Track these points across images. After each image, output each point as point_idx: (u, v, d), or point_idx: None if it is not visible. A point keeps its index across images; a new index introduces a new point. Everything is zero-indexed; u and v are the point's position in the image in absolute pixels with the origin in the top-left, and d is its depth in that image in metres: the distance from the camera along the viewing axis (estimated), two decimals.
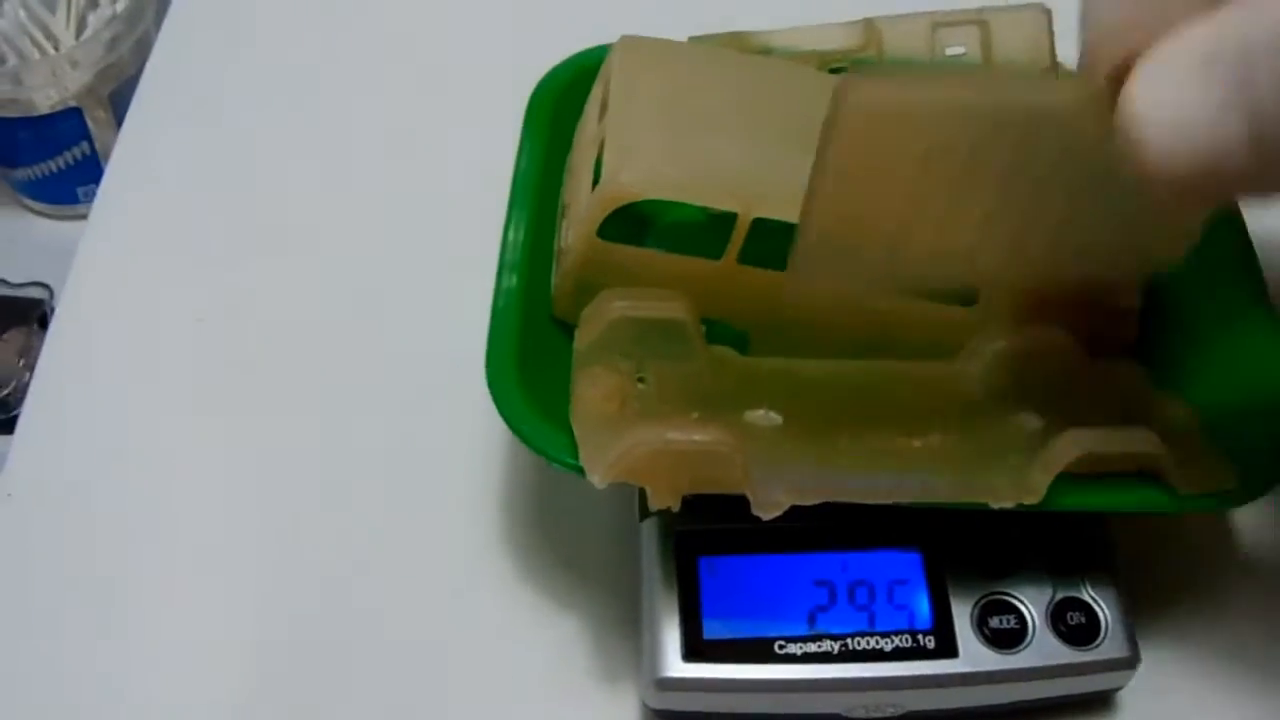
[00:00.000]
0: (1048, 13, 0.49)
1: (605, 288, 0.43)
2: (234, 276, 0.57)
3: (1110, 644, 0.42)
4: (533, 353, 0.43)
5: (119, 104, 0.69)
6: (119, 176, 0.61)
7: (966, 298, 0.43)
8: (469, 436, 0.49)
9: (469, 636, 0.46)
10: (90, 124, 0.70)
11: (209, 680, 0.45)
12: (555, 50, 0.51)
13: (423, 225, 0.58)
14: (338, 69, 0.65)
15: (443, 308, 0.52)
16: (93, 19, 0.71)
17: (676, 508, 0.40)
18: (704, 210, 0.42)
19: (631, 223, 0.47)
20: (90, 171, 0.70)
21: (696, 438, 0.38)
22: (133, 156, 0.61)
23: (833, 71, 0.49)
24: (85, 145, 0.71)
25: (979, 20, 0.49)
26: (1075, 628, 0.43)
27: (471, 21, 0.67)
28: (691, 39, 0.49)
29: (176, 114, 0.63)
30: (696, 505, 0.43)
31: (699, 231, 0.45)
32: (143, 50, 0.68)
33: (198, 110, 0.63)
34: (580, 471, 0.39)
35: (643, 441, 0.38)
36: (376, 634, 0.46)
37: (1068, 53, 0.48)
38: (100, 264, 0.58)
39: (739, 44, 0.49)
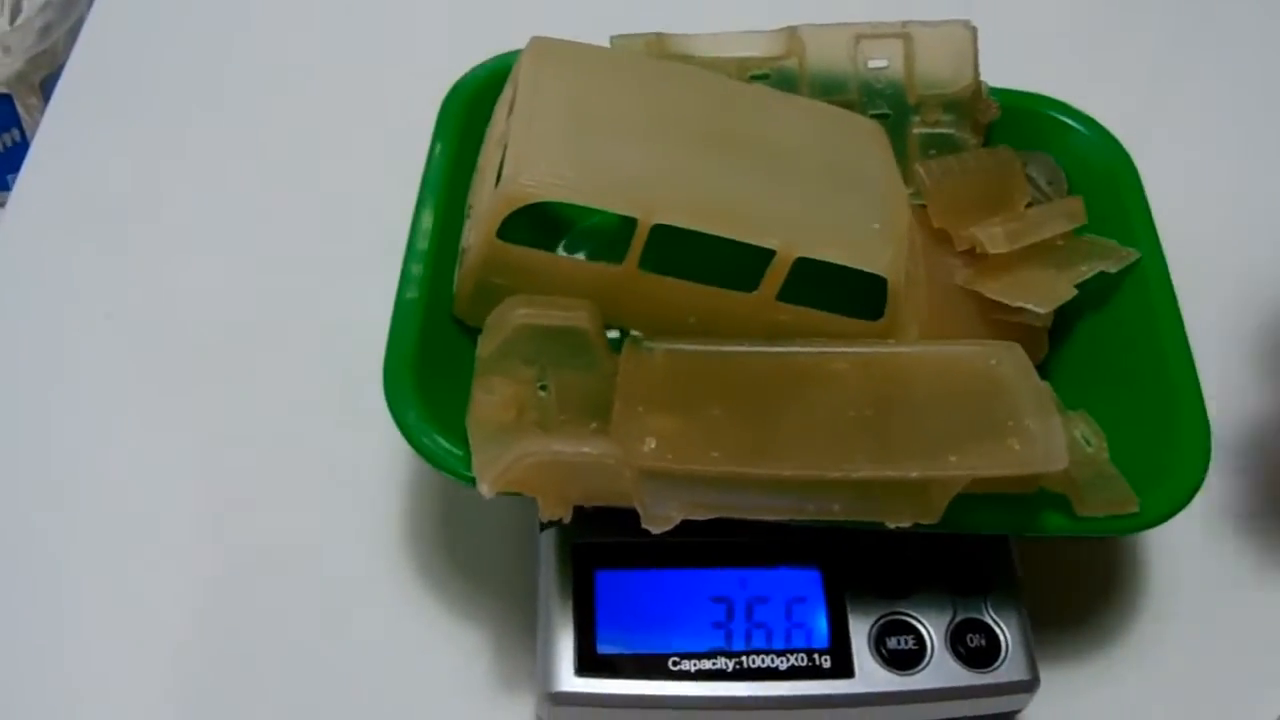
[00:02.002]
0: (972, 29, 0.49)
1: (507, 290, 0.42)
2: (146, 272, 0.56)
3: (1010, 666, 0.42)
4: (435, 357, 0.43)
5: (52, 91, 0.68)
6: (38, 167, 0.60)
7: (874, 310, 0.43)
8: (375, 440, 0.49)
9: (366, 646, 0.45)
10: (21, 111, 0.69)
11: (111, 679, 0.44)
12: (482, 53, 0.50)
13: (335, 224, 0.57)
14: (261, 66, 0.64)
15: (350, 308, 0.51)
16: (26, 5, 0.70)
17: (567, 519, 0.39)
18: (618, 215, 0.42)
19: (543, 226, 0.47)
20: (21, 159, 0.69)
21: (585, 450, 0.37)
22: (54, 147, 0.61)
23: (754, 79, 0.48)
24: (15, 132, 0.70)
25: (903, 34, 0.48)
26: (975, 649, 0.42)
27: (398, 22, 0.66)
28: (613, 39, 0.49)
29: (100, 106, 0.62)
30: (596, 517, 0.42)
31: (610, 238, 0.44)
32: (76, 38, 0.67)
33: (121, 102, 0.62)
34: (471, 482, 0.38)
35: (531, 452, 0.37)
36: (273, 640, 0.45)
37: (991, 70, 0.48)
38: (14, 255, 0.56)
39: (660, 47, 0.48)
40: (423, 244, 0.44)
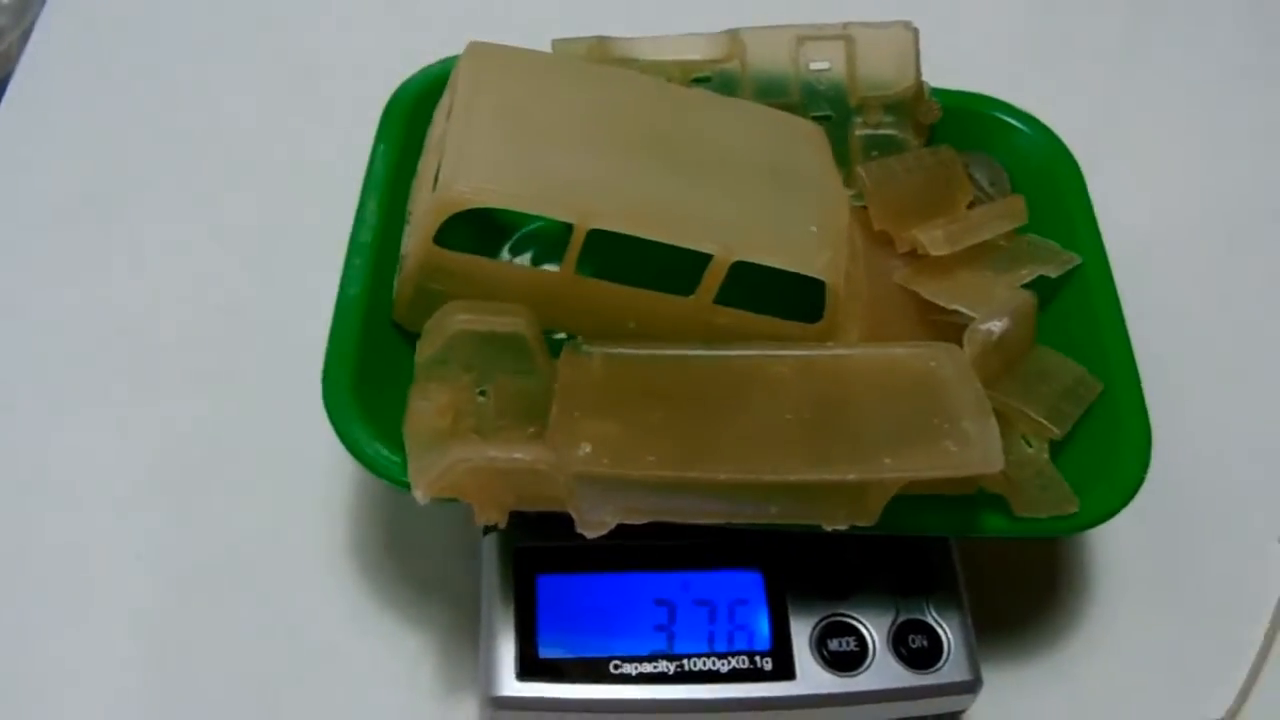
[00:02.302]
0: (914, 31, 0.49)
1: (446, 295, 0.42)
2: (94, 278, 0.55)
3: (952, 667, 0.42)
4: (375, 361, 0.43)
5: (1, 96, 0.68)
6: None
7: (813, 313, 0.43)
8: (319, 444, 0.48)
9: (310, 650, 0.45)
10: None
11: (56, 683, 0.44)
12: (427, 56, 0.50)
13: (278, 229, 0.57)
14: (209, 71, 0.64)
15: (293, 311, 0.51)
16: None
17: (503, 524, 0.39)
18: (555, 224, 0.42)
19: (486, 230, 0.46)
20: None
21: (518, 455, 0.37)
22: (3, 152, 0.60)
23: (696, 82, 0.48)
24: None
25: (845, 35, 0.48)
26: (917, 650, 0.42)
27: (342, 26, 0.66)
28: (555, 43, 0.49)
29: (50, 111, 0.62)
30: (538, 522, 0.42)
31: (555, 239, 0.44)
32: (26, 43, 0.67)
33: (71, 108, 0.62)
34: (408, 488, 0.38)
35: (465, 458, 0.37)
36: (216, 644, 0.45)
37: (933, 71, 0.48)
38: None
39: (602, 51, 0.48)
40: (360, 255, 0.44)
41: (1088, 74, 0.62)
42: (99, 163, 0.60)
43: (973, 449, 0.39)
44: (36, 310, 0.54)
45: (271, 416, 0.51)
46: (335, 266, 0.44)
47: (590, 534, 0.38)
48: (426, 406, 0.40)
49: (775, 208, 0.43)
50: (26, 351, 0.53)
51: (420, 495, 0.37)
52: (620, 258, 0.42)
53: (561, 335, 0.43)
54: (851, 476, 0.38)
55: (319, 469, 0.49)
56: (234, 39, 0.66)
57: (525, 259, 0.47)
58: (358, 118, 0.48)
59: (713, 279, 0.41)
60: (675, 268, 0.42)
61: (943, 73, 0.50)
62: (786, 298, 0.43)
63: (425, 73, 0.49)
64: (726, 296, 0.42)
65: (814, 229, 0.43)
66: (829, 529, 0.39)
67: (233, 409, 0.51)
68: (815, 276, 0.42)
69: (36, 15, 0.68)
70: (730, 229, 0.42)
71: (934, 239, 0.45)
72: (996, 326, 0.43)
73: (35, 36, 0.65)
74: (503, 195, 0.41)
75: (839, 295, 0.42)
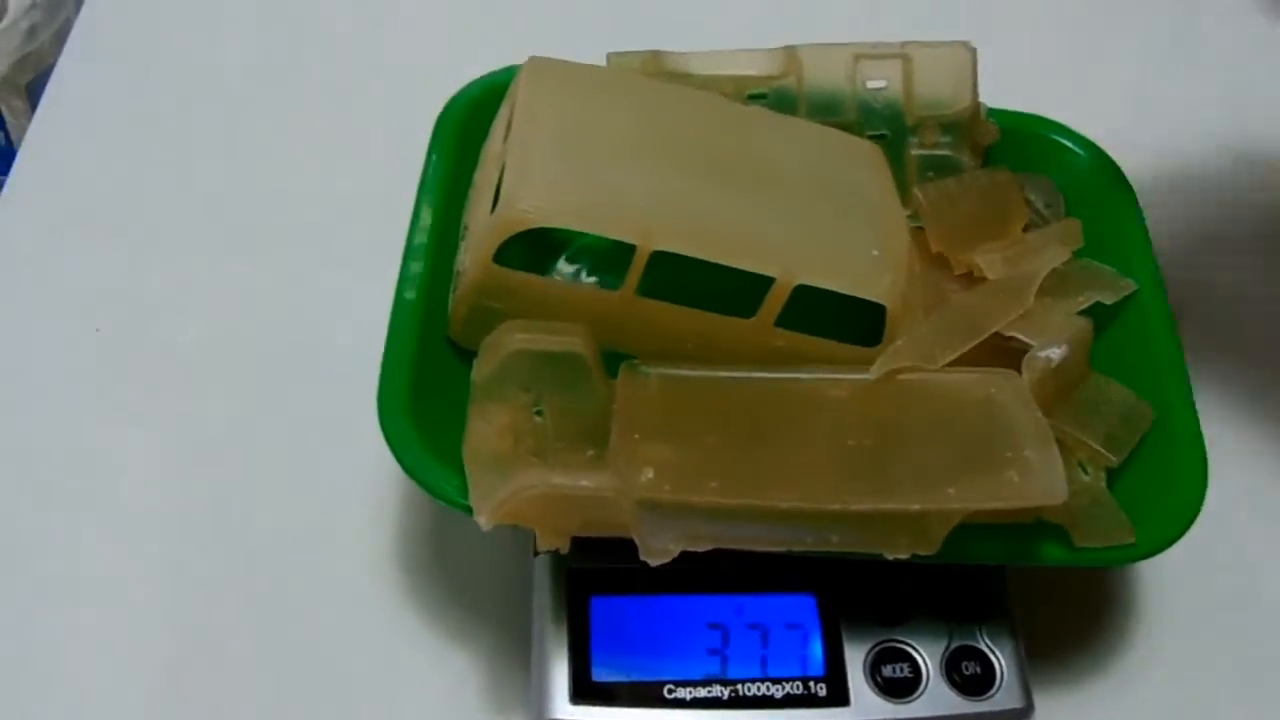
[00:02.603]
0: (972, 51, 0.48)
1: (502, 313, 0.41)
2: (134, 278, 0.55)
3: (1005, 694, 0.42)
4: (430, 380, 0.42)
5: (37, 94, 0.67)
6: (25, 171, 0.59)
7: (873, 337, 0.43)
8: (366, 464, 0.48)
9: (357, 668, 0.45)
10: (6, 114, 0.68)
11: (90, 694, 0.44)
12: (479, 67, 0.50)
13: (329, 237, 0.57)
14: (254, 73, 0.64)
15: (346, 324, 0.51)
16: (12, 6, 0.69)
17: (565, 550, 0.39)
18: (611, 240, 0.41)
19: (538, 247, 0.46)
20: (6, 162, 0.68)
21: (583, 483, 0.37)
22: (41, 151, 0.60)
23: (751, 98, 0.48)
24: (1, 136, 0.69)
25: (902, 54, 0.48)
26: (970, 677, 0.42)
27: (395, 34, 0.66)
28: (610, 56, 0.48)
29: (89, 110, 0.61)
30: (591, 543, 0.42)
31: (607, 261, 0.44)
32: (63, 40, 0.67)
33: (110, 107, 0.62)
34: (468, 510, 0.38)
35: (529, 485, 0.37)
36: (263, 660, 0.45)
37: (991, 91, 0.48)
38: (0, 260, 0.56)
39: (656, 65, 0.48)
40: (415, 266, 0.43)
41: (1143, 97, 0.61)
42: (137, 162, 0.60)
43: (1036, 479, 0.39)
44: (76, 310, 0.54)
45: (317, 427, 0.50)
46: (389, 277, 0.44)
47: (654, 561, 0.38)
48: (486, 429, 0.40)
49: (836, 230, 0.43)
50: (71, 351, 0.53)
51: (484, 522, 0.37)
52: (680, 278, 0.41)
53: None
54: (916, 507, 0.38)
55: (366, 481, 0.49)
56: (278, 40, 0.65)
57: (580, 271, 0.47)
58: (409, 128, 0.48)
59: (774, 302, 0.41)
60: (735, 289, 0.41)
61: (999, 94, 0.49)
62: (845, 321, 0.42)
63: (479, 83, 0.49)
64: (786, 319, 0.42)
65: (875, 252, 0.43)
66: (890, 558, 0.39)
67: (278, 420, 0.51)
68: (876, 301, 0.42)
69: (71, 13, 0.68)
70: (792, 251, 0.41)
71: (992, 263, 0.45)
72: (1055, 354, 0.43)
73: (74, 34, 0.64)
74: (565, 215, 0.40)
75: (899, 319, 0.42)
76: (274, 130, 0.61)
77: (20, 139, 0.68)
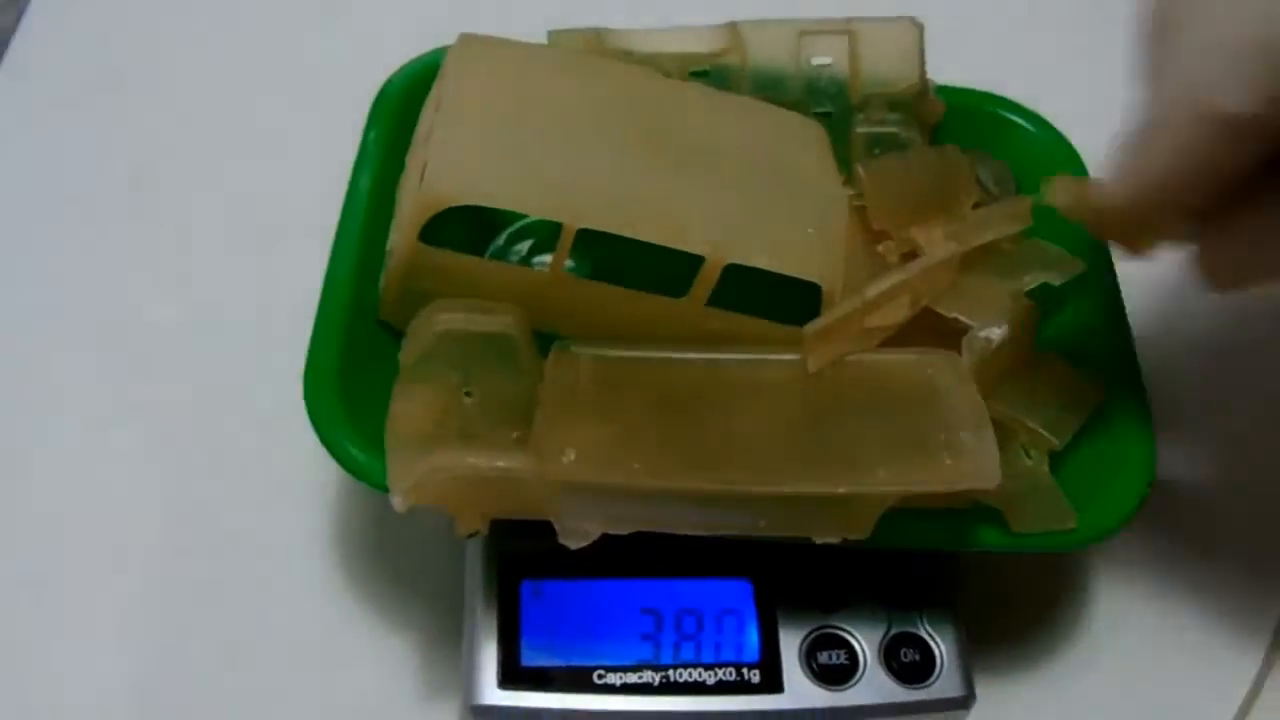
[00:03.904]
0: (919, 27, 0.47)
1: (433, 294, 0.41)
2: (85, 265, 0.55)
3: (945, 682, 0.41)
4: (360, 361, 0.42)
5: None
6: None
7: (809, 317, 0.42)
8: (303, 443, 0.47)
9: (290, 653, 0.45)
10: None
11: (40, 681, 0.44)
12: (418, 48, 0.49)
13: (266, 222, 0.56)
14: (203, 52, 0.63)
15: (277, 308, 0.50)
16: None
17: (484, 532, 0.38)
18: (548, 221, 0.40)
19: (474, 228, 0.45)
20: None
21: (499, 464, 0.36)
22: None
23: (694, 76, 0.47)
24: None
25: (847, 30, 0.47)
26: (909, 664, 0.41)
27: (333, 17, 0.65)
28: (551, 34, 0.47)
29: (43, 88, 0.61)
30: (525, 526, 0.41)
31: (544, 243, 0.43)
32: (20, 14, 0.66)
33: (64, 87, 0.61)
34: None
35: (444, 466, 0.36)
36: (196, 645, 0.45)
37: (937, 68, 0.47)
38: None
39: (599, 42, 0.47)
40: (346, 249, 0.43)
41: (1094, 72, 0.60)
42: (89, 144, 0.59)
43: (969, 462, 0.38)
44: (28, 297, 0.54)
45: (255, 414, 0.50)
46: (323, 259, 0.43)
47: (573, 544, 0.37)
48: (409, 409, 0.39)
49: (772, 208, 0.42)
50: (20, 342, 0.52)
51: (398, 503, 0.37)
52: (612, 257, 0.41)
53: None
54: (843, 489, 0.37)
55: (303, 468, 0.48)
56: (223, 30, 0.65)
57: (521, 249, 0.46)
58: (348, 110, 0.47)
59: (705, 282, 0.40)
60: (666, 269, 0.40)
61: (947, 70, 0.48)
62: (782, 301, 0.41)
63: (416, 64, 0.48)
64: (720, 299, 0.41)
65: (811, 230, 0.42)
66: (819, 542, 0.38)
67: (216, 406, 0.50)
68: (811, 280, 0.41)
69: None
70: (724, 230, 0.41)
71: (932, 239, 0.44)
72: (995, 334, 0.42)
73: (29, 14, 0.64)
74: (488, 194, 0.40)
75: (836, 298, 0.41)
76: (219, 114, 0.60)
77: None
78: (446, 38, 0.47)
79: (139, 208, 0.57)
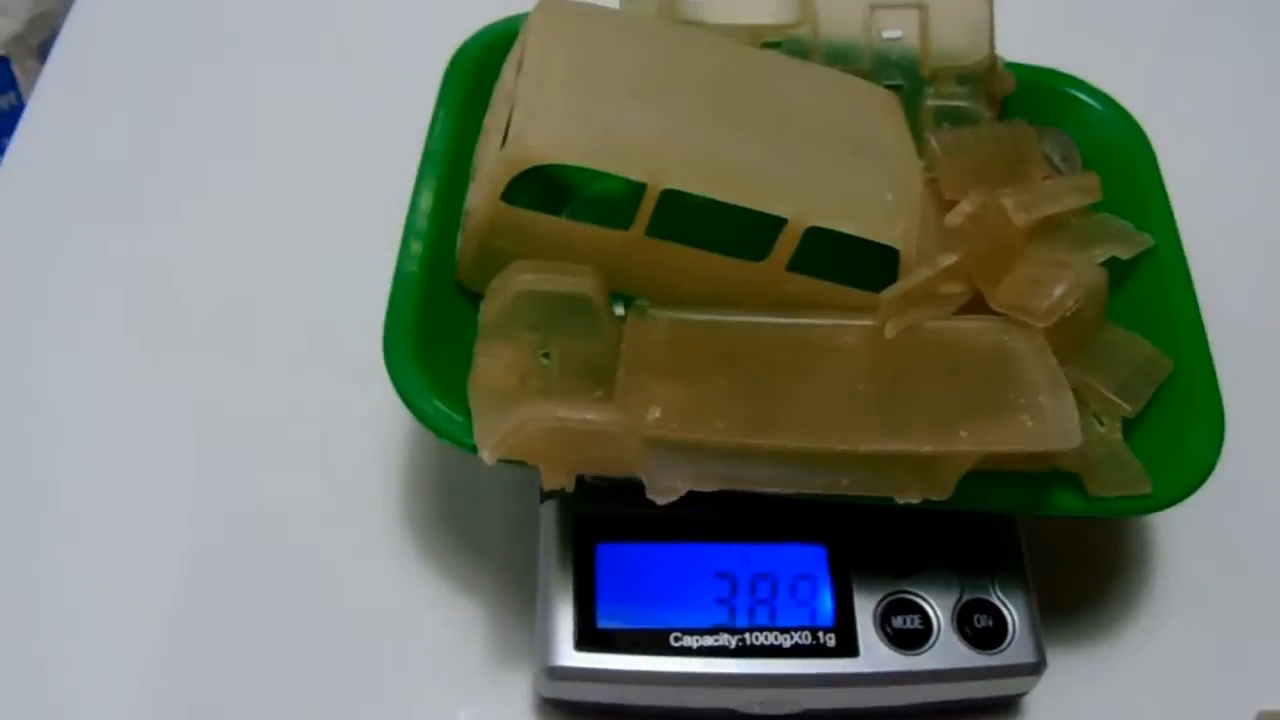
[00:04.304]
0: (989, 2, 0.48)
1: (511, 254, 0.41)
2: (141, 237, 0.55)
3: (1017, 648, 0.41)
4: (437, 324, 0.42)
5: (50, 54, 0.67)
6: (33, 130, 0.59)
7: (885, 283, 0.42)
8: (375, 409, 0.48)
9: (363, 615, 0.45)
10: (19, 74, 0.68)
11: (105, 641, 0.44)
12: (489, 14, 0.49)
13: (338, 188, 0.56)
14: (260, 30, 0.64)
15: (353, 274, 0.50)
16: None
17: (570, 488, 0.38)
18: (625, 181, 0.41)
19: (550, 190, 0.46)
20: (18, 122, 0.68)
21: (590, 417, 0.36)
22: (49, 110, 0.60)
23: (765, 46, 0.47)
24: (12, 95, 0.69)
25: (918, 4, 0.47)
26: (981, 630, 0.41)
27: None
28: (625, 1, 0.48)
29: (96, 69, 0.61)
30: (599, 490, 0.41)
31: (618, 204, 0.43)
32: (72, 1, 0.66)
33: (117, 67, 0.61)
34: (473, 450, 0.37)
35: (534, 418, 0.36)
36: (268, 608, 0.45)
37: (1006, 43, 0.48)
38: (8, 218, 0.56)
39: (672, 11, 0.47)
40: (422, 220, 0.43)
41: (1162, 51, 0.61)
42: (145, 124, 0.59)
43: (1050, 424, 0.38)
44: (83, 269, 0.54)
45: (328, 379, 0.50)
46: (398, 226, 0.43)
47: (660, 500, 0.37)
48: (492, 365, 0.40)
49: (850, 174, 0.42)
50: (79, 310, 0.53)
51: (487, 456, 0.37)
52: (691, 220, 0.41)
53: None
54: (927, 448, 0.38)
55: (374, 433, 0.48)
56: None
57: (590, 216, 0.46)
58: (420, 77, 0.47)
59: (786, 244, 0.40)
60: (747, 232, 0.41)
61: (1016, 47, 0.49)
62: (858, 266, 0.42)
63: (490, 29, 0.48)
64: (798, 263, 0.41)
65: (889, 197, 0.42)
66: (901, 502, 0.38)
67: (289, 369, 0.51)
68: (889, 245, 0.41)
69: None
70: (805, 194, 0.41)
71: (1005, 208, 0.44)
72: (1068, 301, 0.42)
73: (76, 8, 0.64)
74: (575, 151, 0.40)
75: (913, 265, 0.41)
76: (282, 88, 0.61)
77: None
78: (508, 8, 0.48)
79: (207, 174, 0.57)
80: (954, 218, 0.40)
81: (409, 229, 0.43)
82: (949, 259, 0.40)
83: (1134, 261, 0.46)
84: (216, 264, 0.54)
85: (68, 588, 0.45)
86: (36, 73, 0.68)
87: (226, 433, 0.49)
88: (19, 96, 0.69)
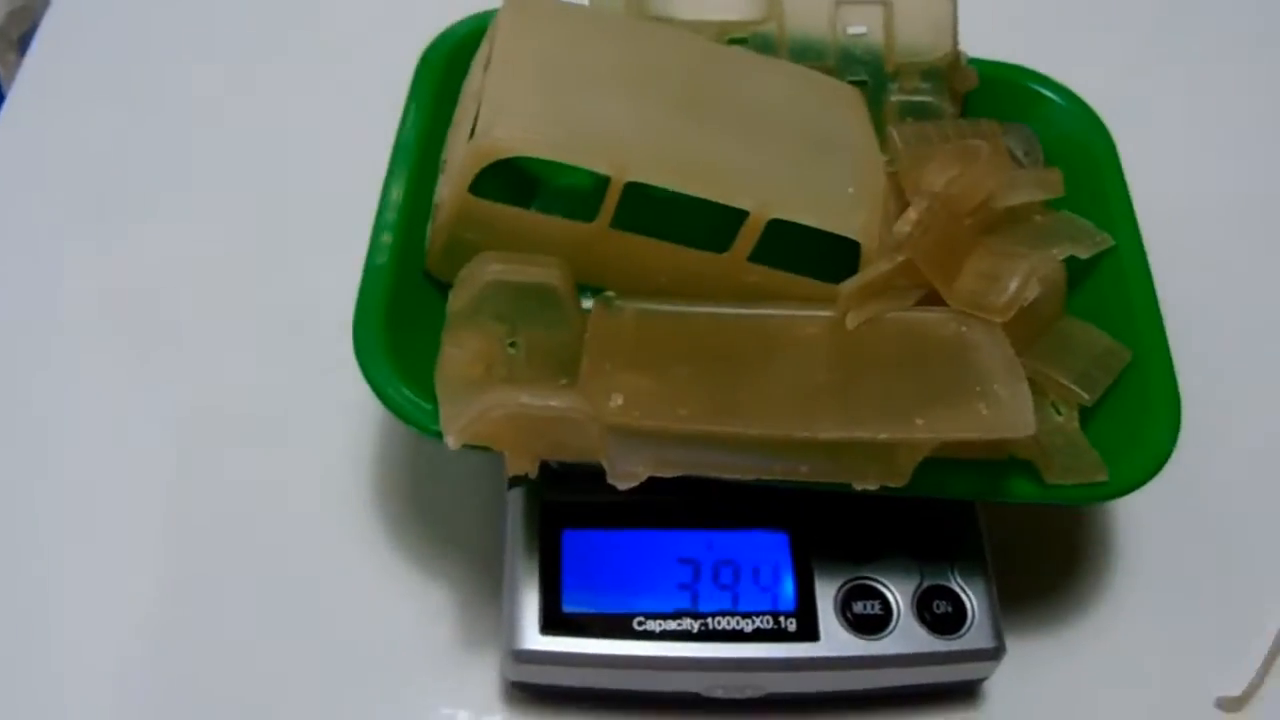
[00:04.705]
0: None
1: (479, 245, 0.42)
2: (120, 229, 0.55)
3: (976, 634, 0.42)
4: (406, 315, 0.42)
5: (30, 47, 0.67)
6: (12, 123, 0.59)
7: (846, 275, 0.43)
8: (343, 397, 0.48)
9: (330, 601, 0.45)
10: None
11: (76, 627, 0.44)
12: (459, 11, 0.50)
13: (309, 178, 0.57)
14: (240, 23, 0.64)
15: (324, 267, 0.51)
16: None
17: (534, 474, 0.39)
18: (592, 175, 0.41)
19: (517, 183, 0.46)
20: None
21: (553, 403, 0.37)
22: (28, 102, 0.60)
23: (732, 43, 0.48)
24: None
25: (883, 1, 0.48)
26: (941, 616, 0.42)
27: None
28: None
29: (75, 61, 0.62)
30: (566, 476, 0.42)
31: (584, 196, 0.44)
32: None
33: (96, 59, 0.62)
34: (438, 435, 0.38)
35: (498, 404, 0.37)
36: (235, 594, 0.45)
37: (969, 39, 0.48)
38: None
39: (639, 6, 0.48)
40: (392, 212, 0.43)
41: (1124, 47, 0.61)
42: (125, 116, 0.60)
43: (1005, 412, 0.39)
44: (63, 261, 0.54)
45: (299, 370, 0.51)
46: (367, 215, 0.44)
47: (622, 485, 0.38)
48: (459, 354, 0.40)
49: (812, 167, 0.43)
50: (59, 301, 0.53)
51: (452, 441, 0.37)
52: (655, 212, 0.41)
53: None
54: (883, 436, 0.38)
55: (344, 423, 0.49)
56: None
57: (556, 209, 0.47)
58: (392, 72, 0.48)
59: (747, 236, 0.41)
60: (710, 224, 0.41)
61: (979, 43, 0.49)
62: (819, 259, 0.42)
63: (460, 25, 0.49)
64: (760, 255, 0.42)
65: (851, 190, 0.43)
66: (859, 489, 0.39)
67: (257, 358, 0.51)
68: (850, 237, 0.42)
69: None
70: (767, 186, 0.42)
71: None
72: (1026, 292, 0.43)
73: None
74: (542, 144, 0.40)
75: (874, 257, 0.42)
76: (258, 80, 0.61)
77: None
78: (479, 5, 0.48)
79: (185, 166, 0.58)
80: (901, 225, 0.41)
81: (379, 221, 0.43)
82: (899, 257, 0.41)
83: (1095, 258, 0.46)
84: (192, 256, 0.54)
85: (38, 581, 0.45)
86: (16, 65, 0.68)
87: (198, 424, 0.49)
88: (0, 90, 0.69)
